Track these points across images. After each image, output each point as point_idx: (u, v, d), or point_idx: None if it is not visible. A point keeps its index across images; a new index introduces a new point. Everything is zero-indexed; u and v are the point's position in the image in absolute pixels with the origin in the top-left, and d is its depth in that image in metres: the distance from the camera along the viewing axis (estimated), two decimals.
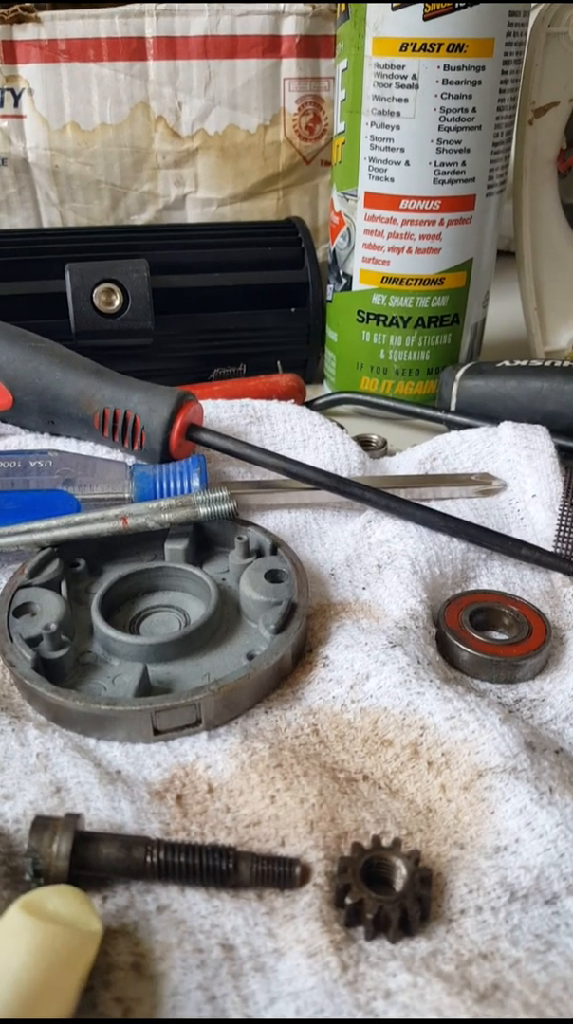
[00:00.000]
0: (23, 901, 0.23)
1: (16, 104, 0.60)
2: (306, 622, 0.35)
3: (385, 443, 0.51)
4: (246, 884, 0.26)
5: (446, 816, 0.28)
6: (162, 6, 0.58)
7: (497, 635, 0.36)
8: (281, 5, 0.59)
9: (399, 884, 0.26)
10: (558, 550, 0.41)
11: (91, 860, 0.26)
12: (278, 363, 0.57)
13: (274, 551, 0.38)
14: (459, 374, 0.52)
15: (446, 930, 0.25)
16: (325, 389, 0.60)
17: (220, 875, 0.26)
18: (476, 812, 0.28)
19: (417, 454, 0.47)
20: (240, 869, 0.26)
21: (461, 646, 0.34)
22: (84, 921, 0.23)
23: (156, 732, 0.31)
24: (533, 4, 0.49)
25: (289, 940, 0.25)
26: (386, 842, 0.27)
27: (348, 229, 0.53)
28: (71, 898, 0.23)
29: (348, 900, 0.25)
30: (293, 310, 0.57)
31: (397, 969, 0.24)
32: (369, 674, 0.32)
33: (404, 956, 0.24)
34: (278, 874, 0.26)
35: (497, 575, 0.40)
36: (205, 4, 0.58)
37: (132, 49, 0.59)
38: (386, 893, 0.25)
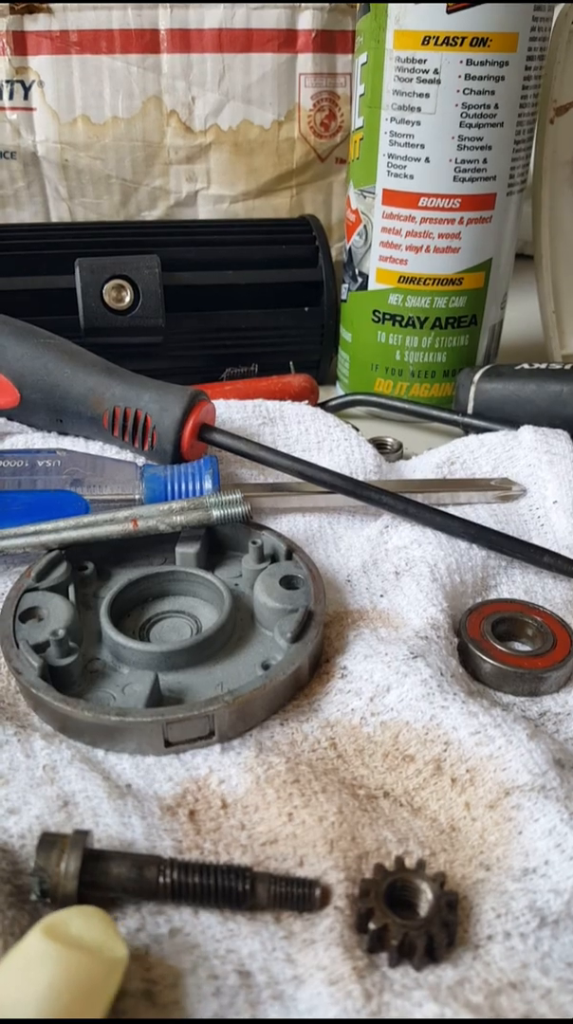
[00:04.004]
0: (45, 924, 0.21)
1: (26, 96, 0.59)
2: (323, 630, 0.34)
3: (401, 446, 0.50)
4: (263, 906, 0.25)
5: (471, 836, 0.27)
6: None
7: (520, 646, 0.35)
8: None
9: (424, 908, 0.25)
10: None
11: (100, 880, 0.24)
12: (291, 363, 0.56)
13: (289, 556, 0.37)
14: (477, 376, 0.51)
15: (473, 957, 0.24)
16: (338, 391, 0.59)
17: (236, 897, 0.25)
18: (503, 832, 0.27)
19: (434, 458, 0.46)
20: (257, 891, 0.25)
21: (484, 657, 0.33)
22: (109, 946, 0.21)
23: (168, 744, 0.29)
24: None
25: (309, 966, 0.23)
26: (410, 863, 0.26)
27: (365, 227, 0.52)
28: (95, 921, 0.22)
29: (371, 925, 0.24)
30: (306, 309, 0.56)
31: (423, 999, 0.23)
32: (390, 686, 0.31)
33: (430, 985, 0.23)
34: (297, 896, 0.25)
35: (518, 583, 0.39)
36: None
37: (145, 41, 0.58)
38: (410, 917, 0.24)
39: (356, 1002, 0.22)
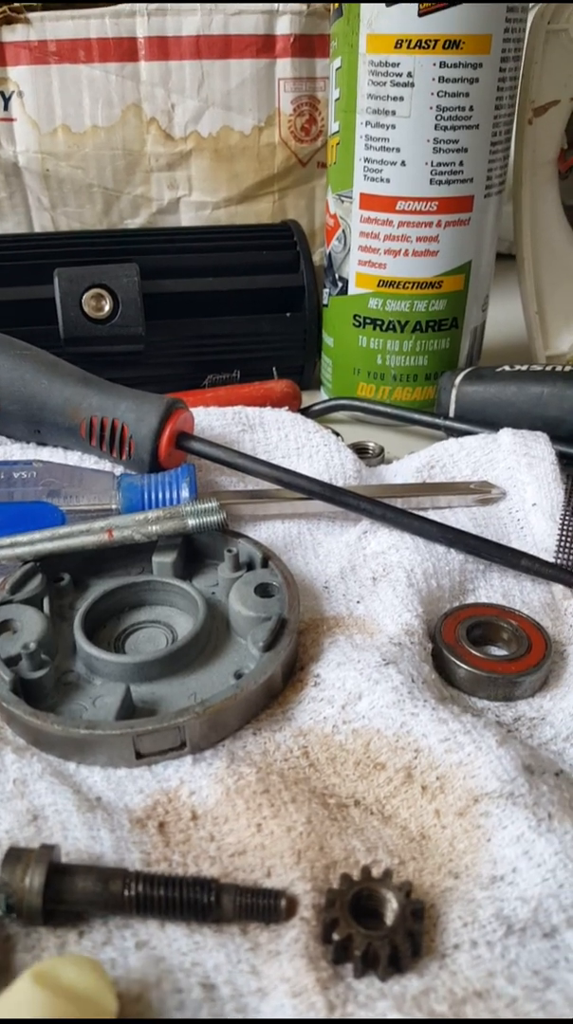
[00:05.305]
0: (36, 971, 0.21)
1: (5, 107, 0.59)
2: (297, 638, 0.34)
3: (382, 450, 0.50)
4: (229, 918, 0.25)
5: (440, 844, 0.27)
6: (153, 6, 0.57)
7: (496, 650, 0.35)
8: (275, 4, 0.58)
9: (389, 918, 0.24)
10: (559, 561, 0.40)
11: (66, 894, 0.24)
12: (273, 369, 0.56)
13: (265, 564, 0.37)
14: (458, 379, 0.50)
15: (439, 966, 0.24)
16: (321, 395, 0.59)
17: (202, 909, 0.24)
18: (471, 839, 0.27)
19: (414, 462, 0.46)
20: (222, 902, 0.25)
21: (458, 662, 0.33)
22: (98, 996, 0.21)
23: (139, 756, 0.29)
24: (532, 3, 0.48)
25: (273, 978, 0.23)
26: (376, 872, 0.26)
27: (343, 232, 0.52)
28: (88, 971, 0.22)
29: (335, 936, 0.24)
30: (288, 315, 0.56)
31: (387, 1009, 0.23)
32: (361, 694, 0.31)
33: (394, 995, 0.23)
34: (263, 907, 0.25)
35: (496, 587, 0.39)
36: (197, 4, 0.57)
37: (123, 50, 0.58)
38: (376, 927, 0.24)
39: (319, 1014, 0.22)
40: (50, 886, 0.24)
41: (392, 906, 0.24)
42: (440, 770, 0.28)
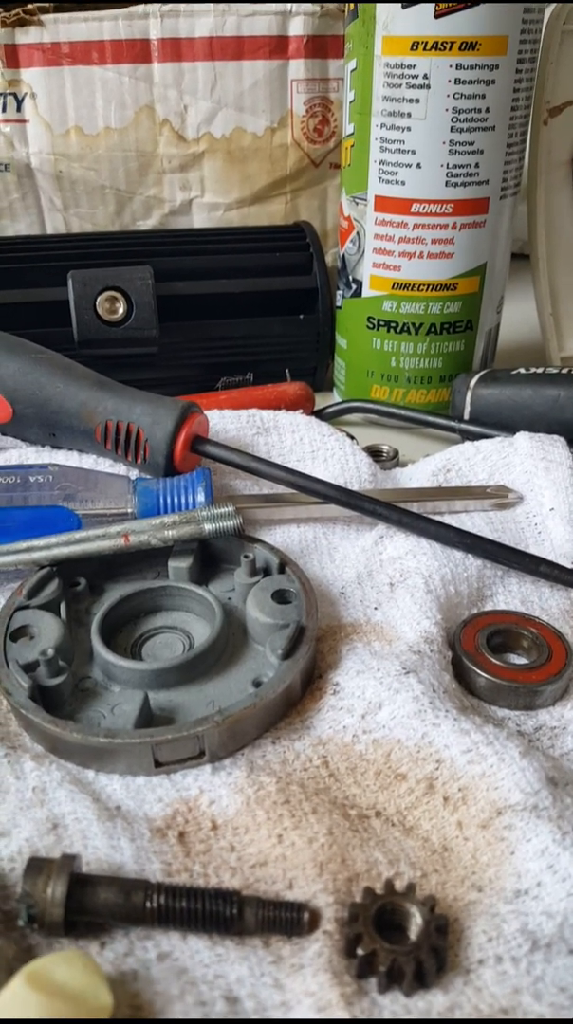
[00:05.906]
0: (28, 972, 0.21)
1: (19, 109, 0.59)
2: (315, 646, 0.33)
3: (397, 453, 0.50)
4: (251, 931, 0.25)
5: (463, 856, 0.27)
6: (167, 7, 0.56)
7: (516, 658, 0.35)
8: (288, 5, 0.57)
9: (414, 932, 0.24)
10: None
11: (88, 905, 0.24)
12: (286, 371, 0.56)
13: (282, 569, 0.37)
14: (473, 382, 0.50)
15: (464, 982, 0.24)
16: (335, 398, 0.59)
17: (224, 921, 0.24)
18: (495, 852, 0.26)
19: (430, 465, 0.46)
20: (245, 915, 0.24)
21: (478, 671, 0.33)
22: (93, 993, 0.21)
23: (158, 764, 0.29)
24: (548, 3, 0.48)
25: (297, 992, 0.23)
26: (400, 886, 0.25)
27: (358, 234, 0.51)
28: (80, 967, 0.22)
29: (360, 951, 0.23)
30: (302, 317, 0.56)
31: None
32: (382, 703, 0.31)
33: (420, 1011, 0.23)
34: (285, 920, 0.24)
35: (514, 593, 0.38)
36: (211, 5, 0.57)
37: (136, 51, 0.57)
38: (400, 941, 0.24)
39: None
40: (72, 897, 0.24)
41: (416, 920, 0.24)
42: (462, 781, 0.28)
